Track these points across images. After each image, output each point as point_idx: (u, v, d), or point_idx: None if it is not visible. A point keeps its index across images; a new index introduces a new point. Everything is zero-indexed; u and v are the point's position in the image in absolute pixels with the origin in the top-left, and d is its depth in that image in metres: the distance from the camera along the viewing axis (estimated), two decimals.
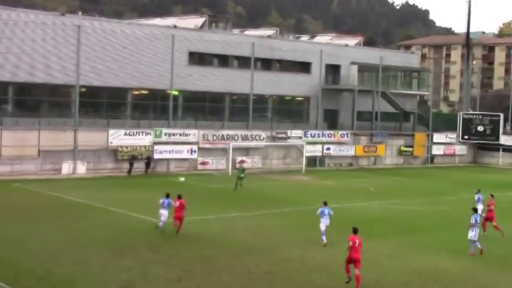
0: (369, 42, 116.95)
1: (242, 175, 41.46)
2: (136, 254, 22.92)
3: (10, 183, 40.67)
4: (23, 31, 48.20)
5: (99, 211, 31.63)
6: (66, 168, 46.95)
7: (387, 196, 41.05)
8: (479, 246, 25.00)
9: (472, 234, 25.11)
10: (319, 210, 25.83)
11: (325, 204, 26.12)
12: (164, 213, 26.58)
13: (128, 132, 49.76)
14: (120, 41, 53.02)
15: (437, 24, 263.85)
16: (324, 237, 25.36)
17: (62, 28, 50.02)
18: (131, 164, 48.64)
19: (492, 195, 29.60)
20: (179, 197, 26.39)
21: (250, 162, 55.17)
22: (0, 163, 44.90)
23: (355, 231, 20.39)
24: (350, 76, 68.20)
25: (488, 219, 28.83)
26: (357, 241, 20.03)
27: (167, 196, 26.99)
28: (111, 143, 49.02)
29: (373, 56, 69.45)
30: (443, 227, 30.82)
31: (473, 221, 25.16)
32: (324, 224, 25.53)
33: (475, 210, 25.98)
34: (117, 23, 54.79)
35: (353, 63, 68.43)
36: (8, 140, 45.15)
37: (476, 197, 31.62)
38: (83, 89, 50.57)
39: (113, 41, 52.65)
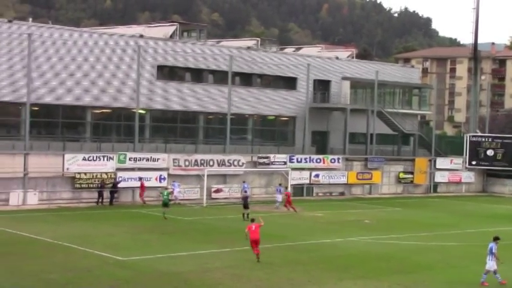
0: (363, 55, 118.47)
1: (168, 200, 43.20)
2: None
3: None
4: None
5: (54, 248, 31.46)
6: (14, 198, 46.66)
7: (384, 230, 41.29)
8: (499, 279, 25.77)
9: (490, 264, 25.93)
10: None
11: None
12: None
13: (87, 156, 49.67)
14: (78, 52, 53.21)
15: (441, 34, 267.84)
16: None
17: (10, 37, 50.06)
18: (100, 193, 48.77)
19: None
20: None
21: (228, 191, 55.25)
22: None
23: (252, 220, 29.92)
24: (341, 93, 68.78)
25: None
26: (253, 227, 28.98)
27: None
28: (67, 169, 48.88)
29: (368, 70, 70.26)
30: (448, 264, 31.09)
31: (490, 250, 25.91)
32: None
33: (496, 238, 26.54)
34: (74, 32, 54.97)
35: (345, 78, 69.09)
36: None
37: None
38: (35, 107, 50.54)
39: (70, 52, 52.84)
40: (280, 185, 53.54)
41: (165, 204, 42.90)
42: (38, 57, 51.00)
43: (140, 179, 50.36)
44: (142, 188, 49.96)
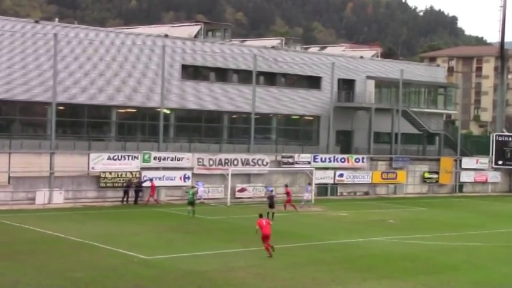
0: (387, 54, 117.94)
1: (194, 199, 43.61)
2: None
3: None
4: None
5: (79, 247, 31.70)
6: (40, 197, 47.09)
7: (409, 230, 41.08)
8: None
9: None
10: None
11: None
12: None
13: (112, 156, 49.96)
14: (103, 52, 53.50)
15: (467, 32, 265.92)
16: None
17: (36, 37, 50.48)
18: (126, 192, 49.08)
19: None
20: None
21: (252, 191, 55.31)
22: None
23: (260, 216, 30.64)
24: (366, 92, 68.53)
25: None
26: (264, 222, 29.87)
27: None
28: (92, 168, 49.22)
29: (393, 69, 69.91)
30: (473, 265, 30.85)
31: None
32: None
33: None
34: (99, 32, 55.29)
35: (369, 77, 68.82)
36: None
37: None
38: (61, 107, 50.95)
39: (95, 52, 53.13)
40: (309, 184, 53.54)
41: (191, 203, 43.20)
42: (64, 57, 51.36)
43: (151, 179, 50.17)
44: (152, 188, 49.80)
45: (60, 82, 50.54)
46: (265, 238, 29.73)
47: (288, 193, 48.45)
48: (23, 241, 32.73)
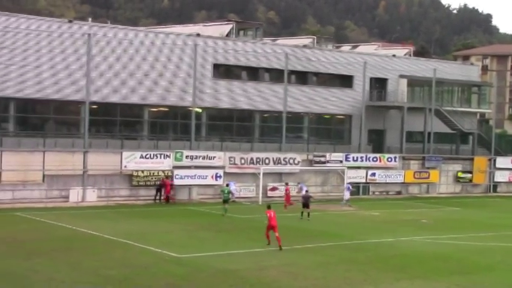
0: (420, 52, 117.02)
1: (228, 197, 44.17)
2: None
3: (12, 212, 41.42)
4: (25, 41, 49.20)
5: (112, 245, 31.98)
6: (74, 195, 47.62)
7: (442, 229, 40.76)
8: None
9: None
10: None
11: None
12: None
13: (144, 154, 50.31)
14: (136, 51, 53.79)
15: (502, 30, 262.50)
16: None
17: (70, 37, 50.93)
18: (158, 190, 49.43)
19: None
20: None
21: (283, 189, 55.19)
22: (0, 189, 45.74)
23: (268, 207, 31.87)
24: (398, 91, 68.13)
25: None
26: (272, 213, 31.16)
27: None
28: (125, 166, 49.62)
29: (426, 68, 69.36)
30: (508, 266, 30.49)
31: None
32: None
33: None
34: (132, 31, 55.58)
35: (402, 76, 68.39)
36: (10, 163, 46.02)
37: None
38: (94, 106, 51.42)
39: (127, 52, 53.43)
40: (349, 183, 53.70)
41: (225, 201, 43.68)
42: (100, 56, 51.73)
43: (166, 177, 50.23)
44: (167, 186, 49.66)
45: (93, 81, 50.95)
46: (271, 228, 31.34)
47: (286, 192, 48.58)
48: (57, 238, 33.10)
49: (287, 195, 48.38)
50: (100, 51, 51.99)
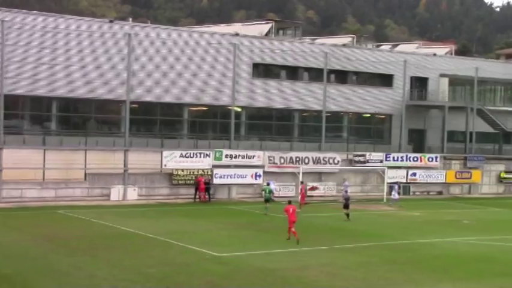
0: (462, 51, 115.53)
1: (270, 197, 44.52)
2: None
3: (54, 210, 42.01)
4: (66, 41, 49.82)
5: (152, 243, 32.18)
6: (115, 193, 48.07)
7: (485, 230, 40.21)
8: None
9: None
10: None
11: None
12: None
13: (184, 153, 50.57)
14: (176, 50, 54.09)
15: None
16: None
17: (111, 37, 51.43)
18: (197, 189, 49.71)
19: None
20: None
21: (323, 189, 55.11)
22: (43, 187, 46.43)
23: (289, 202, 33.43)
24: (439, 90, 67.43)
25: None
26: (291, 209, 32.36)
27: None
28: (165, 165, 49.93)
29: (467, 66, 68.44)
30: None
31: None
32: None
33: None
34: (172, 31, 55.93)
35: (443, 75, 67.65)
36: (52, 161, 46.67)
37: None
38: (134, 105, 51.82)
39: (168, 51, 53.77)
40: (396, 183, 54.12)
41: (267, 201, 43.89)
42: (140, 56, 52.11)
43: (201, 175, 50.56)
44: (201, 184, 49.84)
45: (133, 81, 51.35)
46: (292, 223, 32.53)
47: (301, 192, 48.23)
48: (98, 236, 33.43)
49: (302, 193, 48.03)
50: (144, 51, 52.35)
